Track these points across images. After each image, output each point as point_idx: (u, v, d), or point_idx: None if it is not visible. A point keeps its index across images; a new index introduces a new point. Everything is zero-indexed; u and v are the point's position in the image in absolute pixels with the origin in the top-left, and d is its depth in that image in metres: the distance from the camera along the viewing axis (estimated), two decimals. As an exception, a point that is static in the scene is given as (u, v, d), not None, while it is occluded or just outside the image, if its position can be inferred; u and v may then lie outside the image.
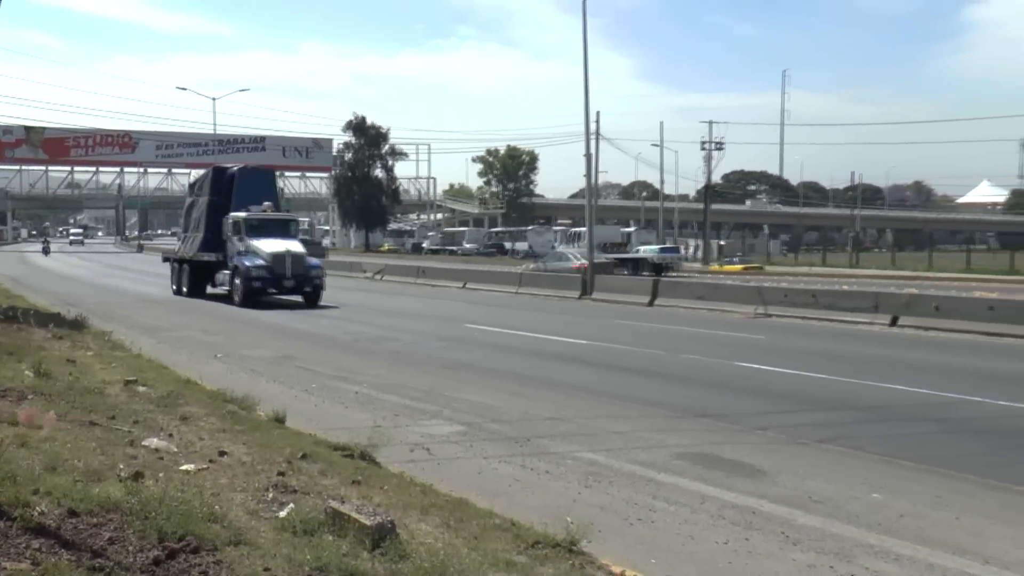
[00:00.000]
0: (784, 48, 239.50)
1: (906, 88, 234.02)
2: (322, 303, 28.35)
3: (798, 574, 6.02)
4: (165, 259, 37.54)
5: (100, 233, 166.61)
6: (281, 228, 29.41)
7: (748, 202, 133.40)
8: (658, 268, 48.03)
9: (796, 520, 7.17)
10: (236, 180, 30.93)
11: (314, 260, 30.05)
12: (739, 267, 60.59)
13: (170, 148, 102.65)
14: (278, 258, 27.74)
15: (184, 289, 32.19)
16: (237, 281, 28.06)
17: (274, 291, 28.13)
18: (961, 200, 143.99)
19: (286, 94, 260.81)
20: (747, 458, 9.21)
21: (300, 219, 34.54)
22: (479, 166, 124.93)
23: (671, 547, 6.49)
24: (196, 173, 34.12)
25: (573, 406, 12.01)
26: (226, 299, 29.05)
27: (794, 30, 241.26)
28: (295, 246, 28.81)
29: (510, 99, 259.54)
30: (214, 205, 30.87)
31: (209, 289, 31.22)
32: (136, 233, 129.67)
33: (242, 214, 28.85)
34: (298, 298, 28.66)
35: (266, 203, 29.67)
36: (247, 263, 27.72)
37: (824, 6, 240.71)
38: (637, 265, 50.81)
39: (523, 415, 11.34)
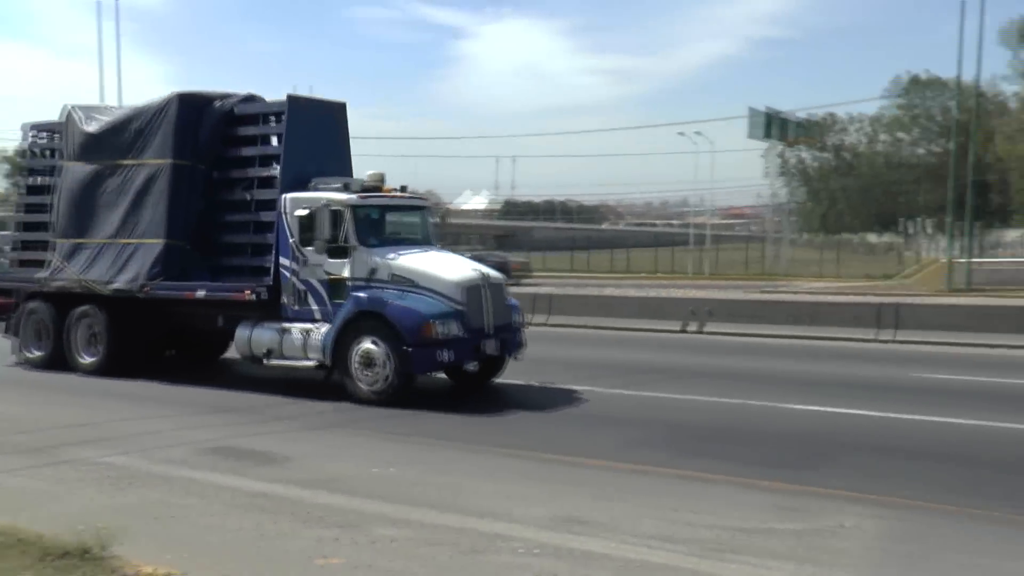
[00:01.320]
0: (301, 65, 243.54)
1: (418, 108, 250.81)
2: None
3: (319, 548, 6.11)
4: (4, 292, 15.81)
5: None
6: (408, 225, 13.75)
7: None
8: None
9: (318, 499, 7.31)
10: (287, 122, 12.86)
11: (509, 296, 13.24)
12: None
13: None
14: (473, 293, 12.07)
15: (86, 359, 14.24)
16: (383, 348, 11.51)
17: (472, 366, 12.90)
18: (463, 207, 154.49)
19: None
20: (271, 447, 9.29)
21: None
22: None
23: (199, 538, 6.35)
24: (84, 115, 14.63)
25: (104, 411, 11.34)
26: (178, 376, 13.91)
27: (309, 50, 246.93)
28: (481, 267, 12.93)
29: (36, 100, 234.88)
30: (187, 177, 13.53)
31: (167, 352, 15.45)
32: None
33: (342, 196, 12.27)
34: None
35: (369, 172, 13.18)
36: (416, 308, 11.54)
37: (332, 32, 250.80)
38: None
39: (52, 424, 10.45)
